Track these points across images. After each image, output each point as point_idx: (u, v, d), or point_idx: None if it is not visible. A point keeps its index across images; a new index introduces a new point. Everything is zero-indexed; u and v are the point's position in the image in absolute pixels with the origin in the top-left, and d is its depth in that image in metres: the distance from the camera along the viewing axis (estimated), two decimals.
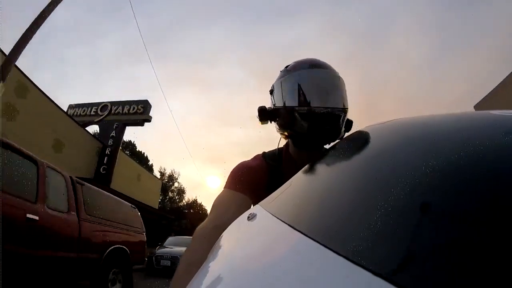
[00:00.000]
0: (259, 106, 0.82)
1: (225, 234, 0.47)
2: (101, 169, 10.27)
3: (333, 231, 0.25)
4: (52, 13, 5.47)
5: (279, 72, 0.83)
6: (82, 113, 12.07)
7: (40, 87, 7.62)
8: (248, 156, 0.87)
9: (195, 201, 30.49)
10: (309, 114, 0.71)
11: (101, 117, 11.63)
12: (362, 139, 0.42)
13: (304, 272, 0.22)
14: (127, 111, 11.66)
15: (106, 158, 10.39)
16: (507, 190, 0.18)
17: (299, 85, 0.73)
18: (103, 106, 11.97)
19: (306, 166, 0.49)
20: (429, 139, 0.30)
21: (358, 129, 0.50)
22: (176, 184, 29.57)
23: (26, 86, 7.19)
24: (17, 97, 6.83)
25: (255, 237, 0.37)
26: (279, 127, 0.81)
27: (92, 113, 11.99)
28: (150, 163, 25.85)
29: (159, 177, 23.54)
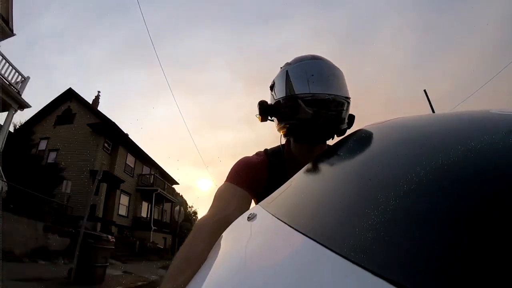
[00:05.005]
0: (259, 100, 0.81)
1: (225, 234, 0.47)
2: None
3: (332, 231, 0.25)
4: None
5: (279, 68, 0.84)
6: None
7: None
8: (237, 158, 0.87)
9: None
10: (313, 101, 0.72)
11: None
12: (361, 138, 0.42)
13: (304, 272, 0.22)
14: None
15: None
16: (507, 190, 0.18)
17: (302, 74, 0.75)
18: None
19: (306, 167, 0.49)
20: (428, 139, 0.30)
21: (356, 129, 0.50)
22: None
23: None
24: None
25: (255, 237, 0.37)
26: (280, 121, 0.79)
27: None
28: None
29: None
